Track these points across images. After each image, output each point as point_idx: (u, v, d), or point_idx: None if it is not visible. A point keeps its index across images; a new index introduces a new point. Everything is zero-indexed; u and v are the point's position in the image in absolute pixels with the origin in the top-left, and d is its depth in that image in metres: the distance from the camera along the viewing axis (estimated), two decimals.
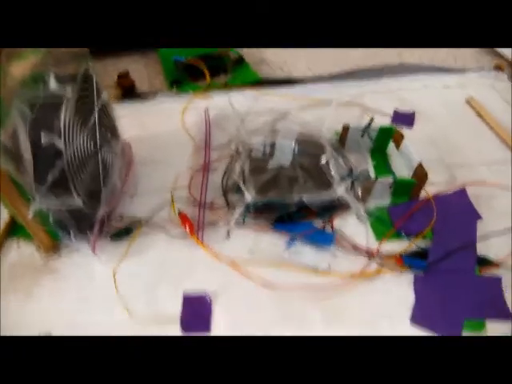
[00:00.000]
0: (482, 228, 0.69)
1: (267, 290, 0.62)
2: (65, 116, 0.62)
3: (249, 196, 0.69)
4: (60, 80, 0.64)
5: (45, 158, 0.59)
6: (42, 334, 0.59)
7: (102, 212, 0.69)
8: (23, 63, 0.63)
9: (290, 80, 1.12)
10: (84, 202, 0.65)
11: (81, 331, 0.59)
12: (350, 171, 0.75)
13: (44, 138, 0.57)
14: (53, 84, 0.63)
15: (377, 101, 1.00)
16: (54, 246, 0.70)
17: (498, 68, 1.06)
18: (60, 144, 0.59)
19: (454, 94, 1.01)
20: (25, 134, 0.57)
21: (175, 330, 0.59)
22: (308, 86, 1.08)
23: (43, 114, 0.59)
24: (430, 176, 0.74)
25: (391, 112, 0.96)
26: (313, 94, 1.03)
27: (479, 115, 0.94)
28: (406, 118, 0.94)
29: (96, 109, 0.72)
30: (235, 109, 0.86)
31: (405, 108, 0.97)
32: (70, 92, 0.63)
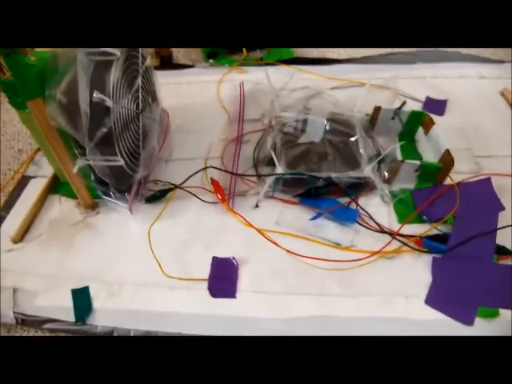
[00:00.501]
0: (503, 218, 0.71)
1: (291, 258, 0.65)
2: (114, 76, 0.65)
3: (279, 168, 0.72)
4: None
5: (96, 114, 0.62)
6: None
7: (140, 174, 0.74)
8: None
9: (325, 60, 1.13)
10: (125, 162, 0.69)
11: (114, 279, 0.64)
12: (378, 152, 0.77)
13: (95, 95, 0.61)
14: None
15: (410, 86, 1.00)
16: (93, 203, 0.75)
17: None
18: (109, 102, 0.63)
19: (489, 84, 1.01)
20: (85, 87, 0.60)
21: (203, 290, 0.63)
22: (342, 67, 1.09)
23: (97, 72, 0.63)
24: (456, 164, 0.75)
25: (423, 98, 0.97)
26: (346, 74, 1.04)
27: None
28: (437, 105, 0.95)
29: (140, 72, 0.76)
30: (271, 82, 0.88)
31: (437, 95, 0.98)
32: (119, 53, 0.67)
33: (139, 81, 0.74)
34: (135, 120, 0.74)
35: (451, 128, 0.89)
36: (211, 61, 1.11)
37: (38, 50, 0.64)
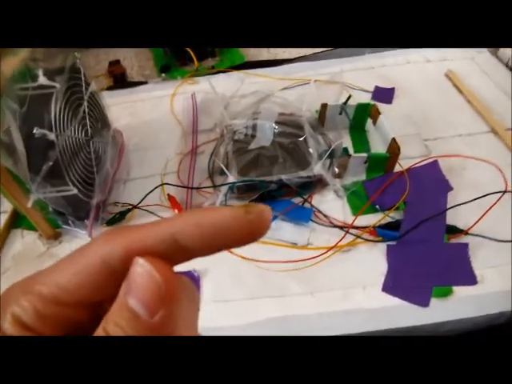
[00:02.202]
0: (453, 198, 0.73)
1: (249, 264, 0.67)
2: (55, 108, 0.66)
3: (231, 177, 0.73)
4: (48, 73, 0.67)
5: (38, 149, 0.63)
6: None
7: (96, 199, 0.75)
8: (12, 59, 0.66)
9: (275, 61, 1.15)
10: (79, 190, 0.70)
11: None
12: (328, 148, 0.79)
13: (36, 131, 0.62)
14: (42, 78, 0.66)
15: (359, 78, 1.03)
16: (54, 233, 0.76)
17: None
18: (52, 136, 0.64)
19: (434, 67, 1.04)
20: (16, 128, 0.61)
21: None
22: (292, 66, 1.11)
23: (33, 108, 0.63)
24: (405, 150, 0.78)
25: (372, 88, 0.99)
26: (296, 73, 1.06)
27: (457, 88, 0.96)
28: (386, 94, 0.97)
29: (85, 98, 0.76)
30: (217, 93, 0.90)
31: (386, 84, 1.00)
32: (58, 84, 0.67)
33: (85, 108, 0.75)
34: (85, 147, 0.75)
35: (400, 114, 0.92)
36: (163, 75, 1.12)
37: None
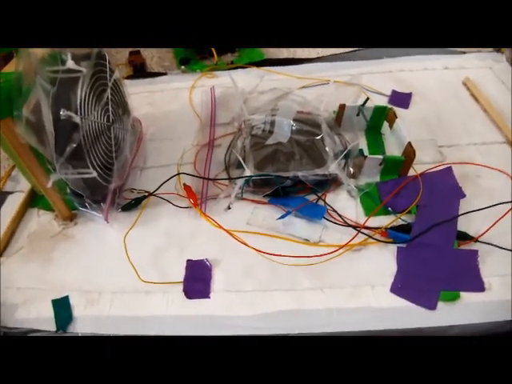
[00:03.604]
0: (465, 205, 0.74)
1: (262, 257, 0.68)
2: (81, 92, 0.68)
3: (248, 171, 0.74)
4: (76, 58, 0.68)
5: (64, 131, 0.64)
6: None
7: (114, 184, 0.76)
8: None
9: (294, 60, 1.16)
10: (98, 173, 0.71)
11: (93, 288, 0.67)
12: (345, 148, 0.80)
13: (62, 113, 0.63)
14: (70, 62, 0.68)
15: (376, 81, 1.03)
16: (70, 215, 0.77)
17: (498, 49, 1.08)
18: (77, 118, 0.65)
19: (452, 75, 1.04)
20: (47, 108, 0.62)
21: (179, 292, 0.66)
22: (311, 66, 1.11)
23: (62, 90, 0.65)
24: (420, 155, 0.79)
25: (390, 92, 1.00)
26: (316, 73, 1.07)
27: (474, 97, 0.97)
28: (403, 98, 0.98)
29: (109, 85, 0.78)
30: (238, 87, 0.91)
31: (403, 89, 1.01)
32: (85, 69, 0.69)
33: (108, 94, 0.77)
34: (106, 132, 0.76)
35: (416, 120, 0.92)
36: (183, 67, 1.14)
37: (3, 70, 0.66)
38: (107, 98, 0.76)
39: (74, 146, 0.65)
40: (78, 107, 0.67)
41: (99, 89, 0.74)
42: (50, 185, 0.68)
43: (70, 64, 0.67)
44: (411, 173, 0.79)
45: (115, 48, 1.23)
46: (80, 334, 0.63)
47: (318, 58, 1.16)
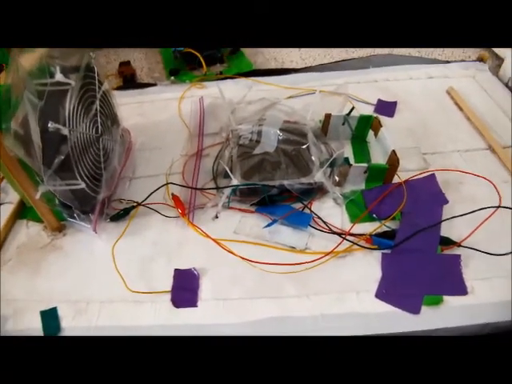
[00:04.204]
0: (448, 211, 0.76)
1: (248, 265, 0.69)
2: (70, 104, 0.69)
3: (235, 180, 0.76)
4: (65, 71, 0.69)
5: (52, 143, 0.65)
6: None
7: (102, 194, 0.77)
8: (32, 55, 0.69)
9: (282, 70, 1.18)
10: (87, 184, 0.72)
11: (81, 298, 0.67)
12: (330, 157, 0.81)
13: (50, 125, 0.64)
14: (58, 74, 0.69)
15: (362, 90, 1.05)
16: (59, 226, 0.78)
17: (481, 59, 1.11)
18: (65, 131, 0.66)
19: (436, 84, 1.06)
20: (35, 121, 0.63)
21: (166, 301, 0.67)
22: (298, 76, 1.13)
23: (50, 102, 0.66)
24: (405, 162, 0.80)
25: (375, 101, 1.02)
26: (302, 83, 1.09)
27: (457, 105, 0.99)
28: (388, 107, 1.00)
29: (97, 97, 0.79)
30: (225, 98, 0.92)
31: (388, 98, 1.03)
32: (74, 82, 0.70)
33: (97, 106, 0.78)
34: (95, 143, 0.77)
35: (401, 128, 0.94)
36: (172, 78, 1.15)
37: None
38: (96, 109, 0.78)
39: (62, 157, 0.66)
40: (67, 119, 0.68)
41: (88, 101, 0.75)
42: (38, 196, 0.69)
43: (59, 77, 0.68)
44: (396, 180, 0.80)
45: (100, 49, 1.25)
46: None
47: (305, 68, 1.18)
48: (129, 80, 1.18)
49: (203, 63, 1.16)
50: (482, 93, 1.03)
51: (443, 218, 0.74)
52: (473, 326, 0.62)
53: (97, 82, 0.79)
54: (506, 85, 1.05)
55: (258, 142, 0.84)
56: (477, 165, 0.85)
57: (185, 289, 0.67)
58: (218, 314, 0.64)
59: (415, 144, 0.90)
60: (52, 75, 0.68)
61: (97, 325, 0.65)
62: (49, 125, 0.63)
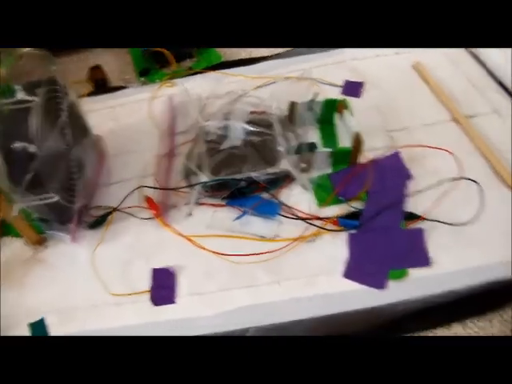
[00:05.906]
0: (414, 186, 0.78)
1: (221, 259, 0.72)
2: (34, 120, 0.70)
3: (203, 176, 0.78)
4: (27, 88, 0.71)
5: (19, 162, 0.67)
6: None
7: (78, 204, 0.79)
8: None
9: (252, 59, 1.19)
10: (61, 196, 0.74)
11: (67, 306, 0.71)
12: (297, 145, 0.83)
13: (15, 145, 0.66)
14: (20, 93, 0.71)
15: (330, 72, 1.06)
16: (40, 239, 0.80)
17: None
18: (32, 148, 0.69)
19: (403, 60, 1.06)
20: None
21: (146, 301, 0.70)
22: (266, 64, 1.14)
23: (14, 122, 0.68)
24: (372, 141, 0.82)
25: (343, 83, 1.03)
26: (270, 71, 1.10)
27: (423, 79, 1.00)
28: (355, 88, 1.01)
29: (63, 110, 0.81)
30: (191, 95, 0.94)
31: (356, 77, 1.04)
32: (37, 98, 0.72)
33: (63, 118, 0.80)
34: (66, 156, 0.79)
35: (368, 107, 0.95)
36: (143, 79, 1.16)
37: None
38: (63, 122, 0.79)
39: (32, 174, 0.68)
40: (33, 136, 0.70)
41: (54, 114, 0.77)
42: (15, 213, 0.72)
43: (20, 95, 0.70)
44: (363, 161, 0.82)
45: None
46: None
47: (274, 55, 1.19)
48: (100, 85, 1.19)
49: (172, 60, 1.17)
50: (450, 65, 1.03)
51: (409, 193, 0.76)
52: (436, 295, 0.64)
53: (62, 94, 0.81)
54: (473, 54, 1.05)
55: (225, 136, 0.86)
56: (442, 138, 0.86)
57: (162, 287, 0.70)
58: (194, 308, 0.68)
59: (382, 122, 0.91)
60: (13, 94, 0.70)
61: (83, 330, 0.68)
62: (14, 145, 0.66)
